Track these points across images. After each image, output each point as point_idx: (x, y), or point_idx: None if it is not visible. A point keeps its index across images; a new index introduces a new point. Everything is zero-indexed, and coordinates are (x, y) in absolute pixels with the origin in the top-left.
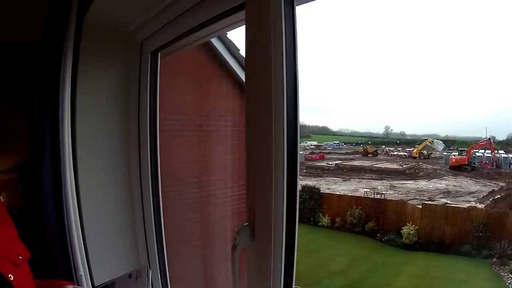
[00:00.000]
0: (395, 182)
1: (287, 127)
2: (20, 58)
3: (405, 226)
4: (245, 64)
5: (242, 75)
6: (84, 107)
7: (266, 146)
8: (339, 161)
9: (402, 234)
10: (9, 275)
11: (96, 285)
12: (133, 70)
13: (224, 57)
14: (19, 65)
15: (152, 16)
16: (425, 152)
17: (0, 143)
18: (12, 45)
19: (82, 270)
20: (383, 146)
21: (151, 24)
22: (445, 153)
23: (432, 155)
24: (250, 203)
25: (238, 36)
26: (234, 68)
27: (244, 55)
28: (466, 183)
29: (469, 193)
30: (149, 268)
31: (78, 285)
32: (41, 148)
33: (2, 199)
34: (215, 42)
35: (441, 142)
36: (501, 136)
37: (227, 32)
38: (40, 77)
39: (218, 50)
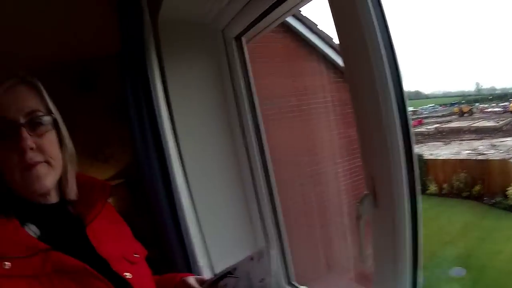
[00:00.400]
0: (494, 141)
1: (394, 90)
2: (107, 71)
3: (510, 187)
4: (338, 37)
5: (325, 49)
6: (180, 106)
7: (377, 112)
8: (437, 125)
9: (508, 196)
10: (126, 274)
11: (216, 273)
12: (221, 59)
13: (304, 34)
14: (107, 78)
15: (227, 1)
16: None
17: (101, 154)
18: (95, 59)
19: (201, 261)
20: (477, 104)
21: (227, 9)
22: None
23: None
24: (368, 170)
25: (311, 11)
26: (317, 44)
27: (323, 29)
28: None
29: None
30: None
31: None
32: (146, 152)
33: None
34: (291, 21)
35: None
36: None
37: (300, 9)
38: (130, 85)
39: (296, 28)
